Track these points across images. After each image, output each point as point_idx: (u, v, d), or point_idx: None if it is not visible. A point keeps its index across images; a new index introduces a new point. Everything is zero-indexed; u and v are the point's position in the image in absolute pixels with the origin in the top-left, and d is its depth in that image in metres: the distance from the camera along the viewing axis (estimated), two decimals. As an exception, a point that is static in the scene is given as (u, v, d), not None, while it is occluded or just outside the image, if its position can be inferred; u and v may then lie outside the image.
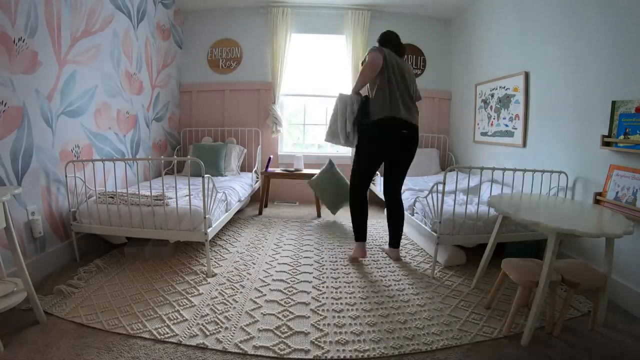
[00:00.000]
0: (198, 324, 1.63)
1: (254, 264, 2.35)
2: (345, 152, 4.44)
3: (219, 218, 2.47)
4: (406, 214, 2.80)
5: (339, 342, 1.53)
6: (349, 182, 2.54)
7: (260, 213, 3.71)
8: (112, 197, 2.21)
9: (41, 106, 2.08)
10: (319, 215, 3.64)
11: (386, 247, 2.63)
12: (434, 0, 3.80)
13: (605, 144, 2.03)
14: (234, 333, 1.57)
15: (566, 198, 2.37)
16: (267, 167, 3.75)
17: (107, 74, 2.73)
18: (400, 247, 2.77)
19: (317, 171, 3.58)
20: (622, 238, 1.94)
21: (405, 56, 2.77)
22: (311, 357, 1.43)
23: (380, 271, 2.28)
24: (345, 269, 2.30)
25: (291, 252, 2.59)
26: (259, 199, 3.84)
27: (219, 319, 1.67)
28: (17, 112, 1.90)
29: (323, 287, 2.04)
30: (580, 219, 1.68)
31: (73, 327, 1.59)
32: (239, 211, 3.64)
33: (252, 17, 4.14)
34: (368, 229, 3.25)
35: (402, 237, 3.01)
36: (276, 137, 4.28)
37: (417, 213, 2.63)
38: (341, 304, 1.85)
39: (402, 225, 2.51)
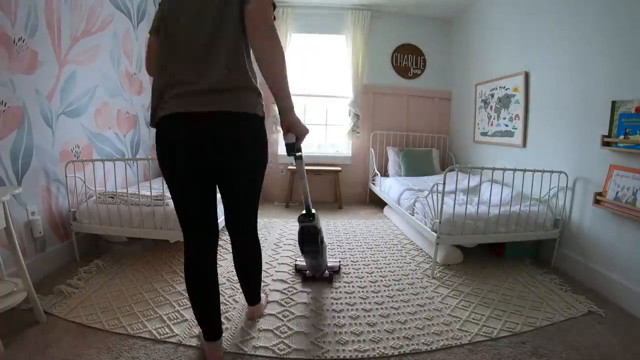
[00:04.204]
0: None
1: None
2: (345, 153, 4.44)
3: (218, 218, 2.47)
4: (406, 213, 2.79)
5: (338, 342, 1.53)
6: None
7: (287, 206, 4.06)
8: (112, 197, 2.21)
9: (41, 106, 2.08)
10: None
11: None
12: (434, 0, 3.80)
13: (605, 144, 2.03)
14: (233, 333, 1.57)
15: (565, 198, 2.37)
16: None
17: (107, 74, 2.73)
18: (401, 247, 2.74)
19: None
20: (622, 239, 1.95)
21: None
22: (311, 357, 1.43)
23: (380, 271, 2.28)
24: (345, 268, 2.30)
25: (291, 252, 2.59)
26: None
27: (218, 319, 1.67)
28: (17, 112, 1.90)
29: (323, 287, 2.04)
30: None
31: (73, 327, 1.59)
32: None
33: (252, 17, 4.13)
34: (366, 227, 3.27)
35: (402, 237, 3.01)
36: (276, 137, 4.28)
37: (417, 213, 2.63)
38: (341, 304, 1.85)
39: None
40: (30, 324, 1.58)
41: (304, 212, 1.70)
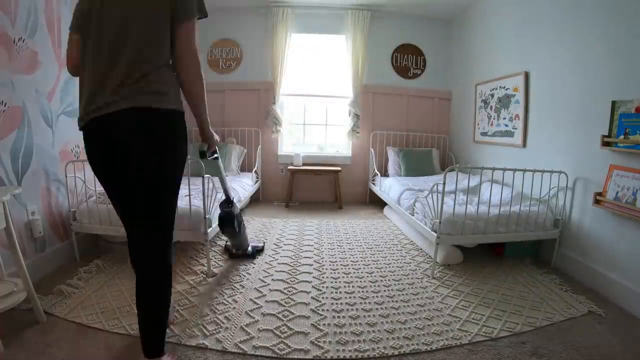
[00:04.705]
0: (198, 324, 1.63)
1: (254, 264, 2.35)
2: (345, 153, 4.44)
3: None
4: (406, 213, 2.79)
5: (338, 342, 1.53)
6: None
7: (287, 206, 4.07)
8: (112, 197, 2.21)
9: (41, 106, 2.08)
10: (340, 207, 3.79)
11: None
12: (434, 0, 3.80)
13: (605, 144, 2.03)
14: (233, 333, 1.57)
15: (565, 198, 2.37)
16: None
17: (107, 74, 2.73)
18: (401, 247, 2.74)
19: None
20: (622, 239, 1.95)
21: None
22: (311, 357, 1.43)
23: (380, 271, 2.28)
24: (345, 269, 2.30)
25: (291, 252, 2.59)
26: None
27: (219, 319, 1.67)
28: (17, 112, 1.90)
29: (323, 287, 2.04)
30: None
31: (73, 327, 1.58)
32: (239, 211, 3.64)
33: (252, 17, 4.14)
34: (366, 227, 3.28)
35: (402, 237, 3.01)
36: (276, 137, 4.29)
37: (417, 213, 2.63)
38: (341, 304, 1.85)
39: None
40: (30, 324, 1.58)
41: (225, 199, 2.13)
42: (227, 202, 2.12)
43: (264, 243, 2.66)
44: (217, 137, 1.51)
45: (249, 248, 2.47)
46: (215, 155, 1.65)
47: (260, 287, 2.02)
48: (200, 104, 1.30)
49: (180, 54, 1.20)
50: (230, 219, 2.10)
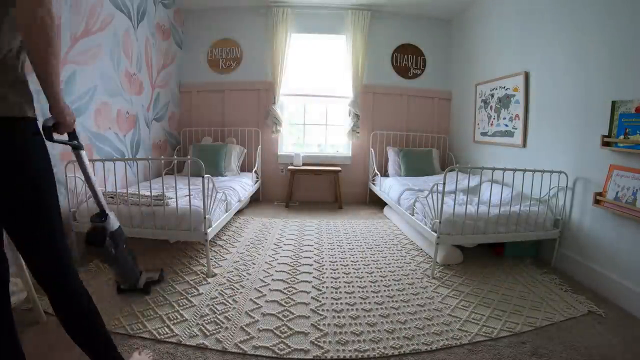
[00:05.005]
0: (198, 324, 1.63)
1: (254, 264, 2.35)
2: (345, 153, 4.44)
3: (219, 218, 2.47)
4: (406, 213, 2.79)
5: (338, 342, 1.53)
6: None
7: (287, 206, 4.06)
8: (112, 197, 2.21)
9: (41, 106, 2.07)
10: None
11: None
12: (434, 0, 3.80)
13: (605, 144, 2.03)
14: (233, 333, 1.57)
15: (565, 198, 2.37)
16: None
17: (107, 74, 2.73)
18: (401, 247, 2.75)
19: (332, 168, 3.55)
20: (622, 239, 1.95)
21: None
22: (311, 357, 1.43)
23: (380, 271, 2.28)
24: (345, 269, 2.30)
25: (291, 252, 2.59)
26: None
27: (218, 319, 1.67)
28: None
29: (323, 287, 2.04)
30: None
31: (73, 327, 1.58)
32: (239, 211, 3.65)
33: (252, 17, 4.14)
34: (366, 227, 3.28)
35: (402, 237, 3.01)
36: (276, 137, 4.29)
37: (417, 213, 2.63)
38: (341, 304, 1.85)
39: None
40: (30, 324, 1.58)
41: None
42: (100, 215, 1.57)
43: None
44: (73, 117, 1.13)
45: (141, 278, 1.90)
46: (75, 142, 1.24)
47: (260, 287, 2.02)
48: (42, 62, 0.91)
49: None
50: (99, 238, 1.53)
